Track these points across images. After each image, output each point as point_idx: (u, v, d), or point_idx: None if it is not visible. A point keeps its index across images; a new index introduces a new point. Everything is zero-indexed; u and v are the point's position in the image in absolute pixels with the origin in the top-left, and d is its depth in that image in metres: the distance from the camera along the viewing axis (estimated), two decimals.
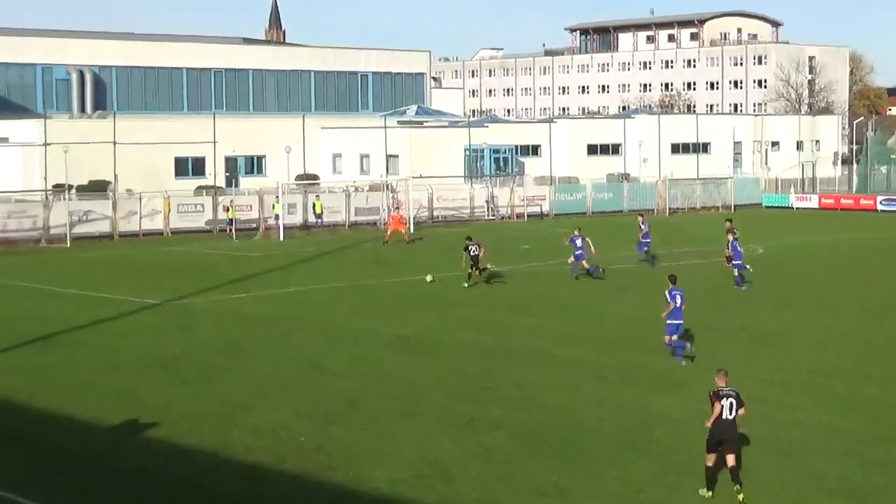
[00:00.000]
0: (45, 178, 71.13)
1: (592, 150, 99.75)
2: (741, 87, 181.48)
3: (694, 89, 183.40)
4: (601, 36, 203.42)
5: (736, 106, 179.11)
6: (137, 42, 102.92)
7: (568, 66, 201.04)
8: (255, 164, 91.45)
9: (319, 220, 70.76)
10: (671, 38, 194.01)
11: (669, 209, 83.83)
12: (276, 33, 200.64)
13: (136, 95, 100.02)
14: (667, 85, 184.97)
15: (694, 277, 45.94)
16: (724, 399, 18.84)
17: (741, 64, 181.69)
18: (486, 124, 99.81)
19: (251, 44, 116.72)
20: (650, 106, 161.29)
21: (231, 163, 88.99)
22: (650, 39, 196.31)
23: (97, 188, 75.60)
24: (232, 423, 23.47)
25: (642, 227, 50.59)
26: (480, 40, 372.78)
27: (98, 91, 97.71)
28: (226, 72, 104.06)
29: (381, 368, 28.93)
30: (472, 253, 43.49)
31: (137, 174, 79.79)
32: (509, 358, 29.94)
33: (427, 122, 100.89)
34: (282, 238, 64.49)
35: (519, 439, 22.22)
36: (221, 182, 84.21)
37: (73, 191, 72.56)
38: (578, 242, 45.91)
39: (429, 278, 44.74)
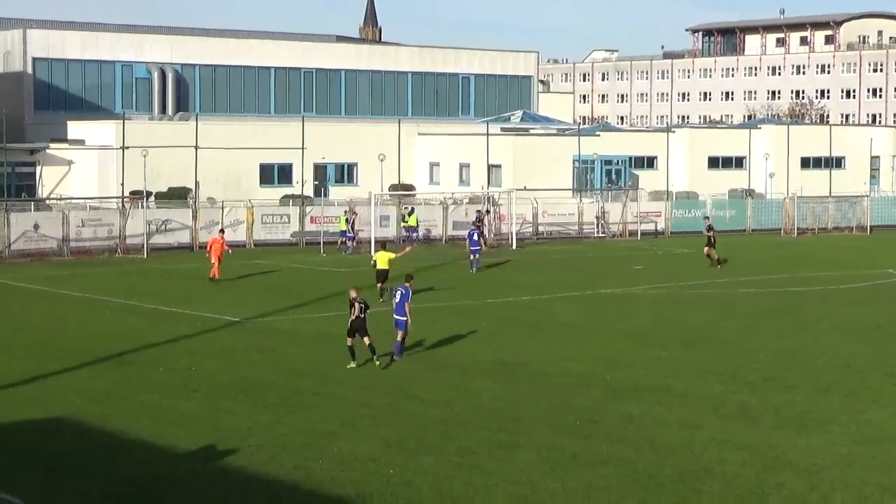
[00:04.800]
0: (122, 185, 72.13)
1: (714, 162, 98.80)
2: (880, 96, 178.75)
3: (828, 97, 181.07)
4: (726, 38, 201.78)
5: (874, 117, 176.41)
6: (223, 39, 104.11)
7: (688, 71, 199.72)
8: (345, 173, 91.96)
9: (415, 235, 70.89)
10: (803, 40, 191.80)
11: (798, 229, 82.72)
12: (371, 31, 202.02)
13: (220, 96, 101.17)
14: (798, 92, 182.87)
15: (829, 305, 45.38)
16: (357, 304, 32.08)
17: (881, 70, 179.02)
18: (597, 133, 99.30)
19: (344, 42, 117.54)
20: (779, 115, 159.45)
21: (320, 171, 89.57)
22: (780, 42, 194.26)
23: (177, 196, 76.49)
24: (316, 453, 23.52)
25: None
26: (592, 41, 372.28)
27: (180, 91, 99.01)
28: (316, 72, 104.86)
29: (480, 398, 28.82)
30: None
31: (220, 181, 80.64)
32: (622, 391, 29.67)
33: (533, 129, 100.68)
34: (373, 253, 64.64)
35: (627, 478, 21.98)
36: (309, 191, 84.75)
37: (152, 198, 73.50)
38: (475, 237, 56.79)
39: None
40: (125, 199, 69.39)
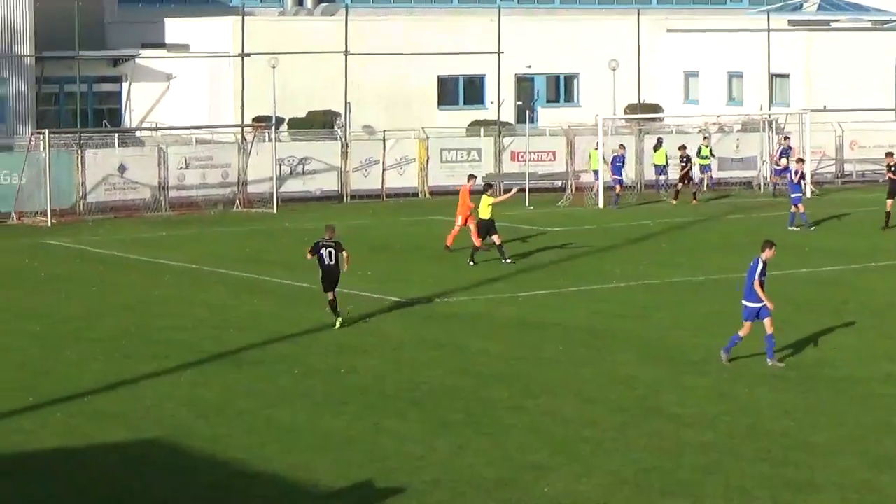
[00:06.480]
0: (242, 108, 72.92)
1: None
2: None
3: None
4: None
5: None
6: None
7: None
8: (561, 88, 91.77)
9: (663, 178, 70.37)
10: None
11: None
12: None
13: None
14: None
15: None
16: (324, 248, 36.92)
17: None
18: None
19: None
20: None
21: (525, 85, 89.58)
22: None
23: (319, 124, 77.15)
24: (517, 494, 23.60)
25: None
26: None
27: None
28: None
29: (757, 414, 28.65)
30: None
31: (380, 102, 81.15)
32: None
33: (837, 20, 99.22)
34: (601, 204, 64.52)
35: None
36: (509, 116, 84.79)
37: (284, 127, 74.24)
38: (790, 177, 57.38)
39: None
40: (247, 130, 70.20)
